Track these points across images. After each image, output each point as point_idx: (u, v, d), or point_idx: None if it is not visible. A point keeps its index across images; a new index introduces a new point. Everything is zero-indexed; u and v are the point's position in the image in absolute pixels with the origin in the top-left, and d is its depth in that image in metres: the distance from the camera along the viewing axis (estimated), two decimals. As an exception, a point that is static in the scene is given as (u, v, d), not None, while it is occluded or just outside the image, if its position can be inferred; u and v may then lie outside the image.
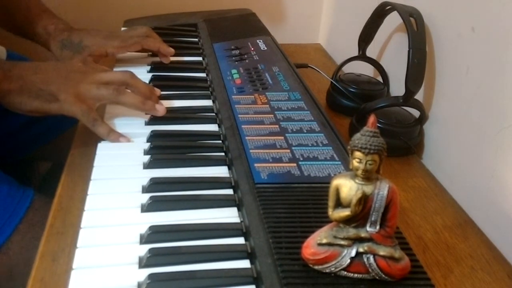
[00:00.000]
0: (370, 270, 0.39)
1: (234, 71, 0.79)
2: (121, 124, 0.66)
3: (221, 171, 0.57)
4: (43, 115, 0.64)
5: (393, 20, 0.80)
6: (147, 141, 0.62)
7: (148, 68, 0.84)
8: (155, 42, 0.83)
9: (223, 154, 0.61)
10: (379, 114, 0.71)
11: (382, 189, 0.38)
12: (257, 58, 0.84)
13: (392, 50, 0.88)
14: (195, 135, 0.65)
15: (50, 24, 0.82)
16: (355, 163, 0.38)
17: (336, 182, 0.39)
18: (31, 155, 0.93)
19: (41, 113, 0.63)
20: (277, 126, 0.62)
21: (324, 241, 0.40)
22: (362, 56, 0.87)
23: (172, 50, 0.85)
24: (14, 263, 0.65)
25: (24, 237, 0.65)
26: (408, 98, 0.70)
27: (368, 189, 0.38)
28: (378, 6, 0.79)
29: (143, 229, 0.47)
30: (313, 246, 0.40)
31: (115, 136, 0.62)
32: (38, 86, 0.60)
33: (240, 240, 0.47)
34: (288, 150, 0.57)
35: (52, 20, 0.83)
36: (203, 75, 0.84)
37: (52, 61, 0.64)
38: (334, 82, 0.86)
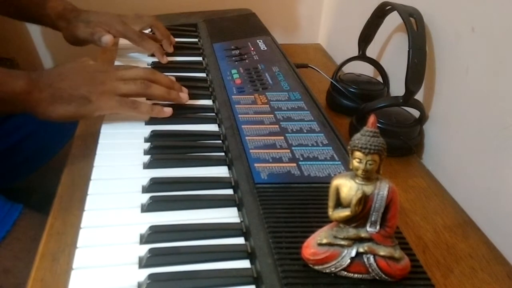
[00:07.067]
0: (370, 270, 0.39)
1: (234, 71, 0.79)
2: (121, 124, 0.66)
3: (221, 171, 0.57)
4: (77, 119, 0.65)
5: (393, 20, 0.80)
6: (147, 141, 0.62)
7: (148, 68, 0.84)
8: (152, 46, 0.85)
9: (223, 154, 0.61)
10: (379, 114, 0.71)
11: (382, 189, 0.38)
12: (257, 58, 0.84)
13: (392, 50, 0.88)
14: (195, 135, 0.65)
15: (58, 6, 0.85)
16: (355, 163, 0.38)
17: (336, 182, 0.39)
18: (17, 186, 0.91)
19: (77, 117, 0.64)
20: (277, 126, 0.62)
21: (324, 241, 0.40)
22: (362, 56, 0.87)
23: (170, 51, 0.89)
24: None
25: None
26: (408, 98, 0.70)
27: (368, 189, 0.38)
28: (378, 6, 0.79)
29: (143, 229, 0.47)
30: (313, 246, 0.40)
31: (159, 109, 0.66)
32: (69, 92, 0.61)
33: (240, 240, 0.47)
34: (288, 150, 0.57)
35: (59, 1, 0.86)
36: (203, 75, 0.84)
37: (68, 64, 0.65)
38: (334, 82, 0.86)
